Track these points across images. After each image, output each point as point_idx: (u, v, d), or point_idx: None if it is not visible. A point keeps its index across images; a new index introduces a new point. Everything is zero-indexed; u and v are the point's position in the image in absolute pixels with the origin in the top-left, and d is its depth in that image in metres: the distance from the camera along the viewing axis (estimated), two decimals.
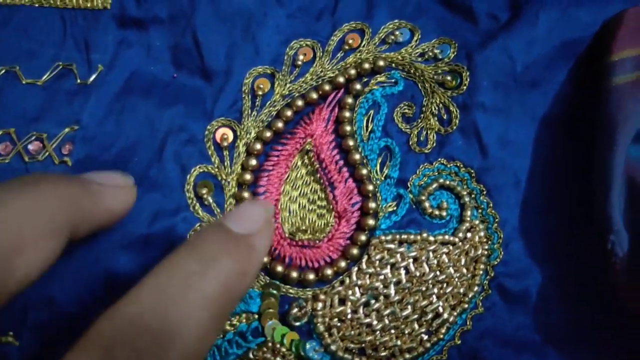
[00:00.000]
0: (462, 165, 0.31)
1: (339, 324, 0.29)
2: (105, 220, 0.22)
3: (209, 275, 0.15)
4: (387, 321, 0.29)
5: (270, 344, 0.28)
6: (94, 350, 0.14)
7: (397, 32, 0.32)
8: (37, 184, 0.18)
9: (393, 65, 0.31)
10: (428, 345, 0.29)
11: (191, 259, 0.16)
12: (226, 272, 0.16)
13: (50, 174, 0.22)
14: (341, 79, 0.31)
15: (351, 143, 0.30)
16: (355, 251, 0.29)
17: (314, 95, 0.31)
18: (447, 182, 0.30)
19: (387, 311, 0.29)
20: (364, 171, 0.30)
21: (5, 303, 0.16)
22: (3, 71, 0.29)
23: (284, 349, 0.28)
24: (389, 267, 0.29)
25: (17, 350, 0.27)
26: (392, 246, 0.29)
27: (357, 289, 0.29)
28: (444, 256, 0.30)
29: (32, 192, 0.17)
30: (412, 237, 0.30)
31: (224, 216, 0.18)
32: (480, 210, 0.31)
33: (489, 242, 0.30)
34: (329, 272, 0.29)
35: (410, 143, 0.31)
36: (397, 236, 0.30)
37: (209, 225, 0.17)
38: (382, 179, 0.31)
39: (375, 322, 0.29)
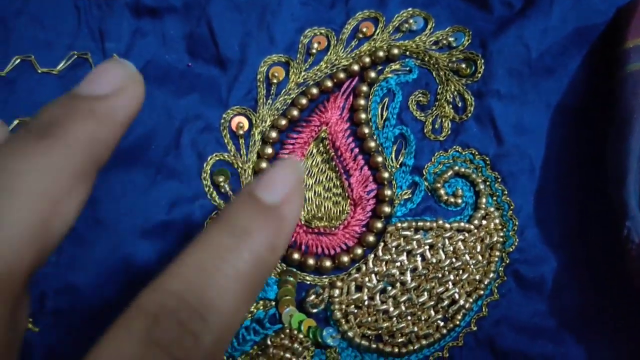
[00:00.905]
0: (477, 153, 0.31)
1: (355, 311, 0.29)
2: (122, 132, 0.19)
3: (241, 251, 0.16)
4: (403, 308, 0.29)
5: (287, 331, 0.28)
6: (141, 318, 0.14)
7: (410, 21, 0.32)
8: (56, 136, 0.16)
9: (407, 53, 0.31)
10: (444, 331, 0.29)
11: (223, 233, 0.16)
12: (257, 246, 0.16)
13: (62, 120, 0.19)
14: (356, 67, 0.31)
15: (366, 131, 0.30)
16: (371, 238, 0.30)
17: (329, 84, 0.31)
18: (462, 170, 0.31)
19: (404, 298, 0.29)
20: (379, 159, 0.30)
21: (46, 259, 0.16)
22: (18, 60, 0.29)
23: (301, 336, 0.28)
24: (405, 254, 0.29)
25: (37, 336, 0.27)
26: (408, 233, 0.30)
27: (373, 275, 0.29)
28: (460, 243, 0.30)
29: (56, 149, 0.16)
30: (427, 224, 0.30)
31: (254, 183, 0.17)
32: (495, 198, 0.31)
33: (504, 229, 0.30)
34: (345, 259, 0.29)
35: (425, 131, 0.31)
36: (413, 223, 0.30)
37: (240, 194, 0.17)
38: (398, 166, 0.31)
39: (391, 309, 0.29)
